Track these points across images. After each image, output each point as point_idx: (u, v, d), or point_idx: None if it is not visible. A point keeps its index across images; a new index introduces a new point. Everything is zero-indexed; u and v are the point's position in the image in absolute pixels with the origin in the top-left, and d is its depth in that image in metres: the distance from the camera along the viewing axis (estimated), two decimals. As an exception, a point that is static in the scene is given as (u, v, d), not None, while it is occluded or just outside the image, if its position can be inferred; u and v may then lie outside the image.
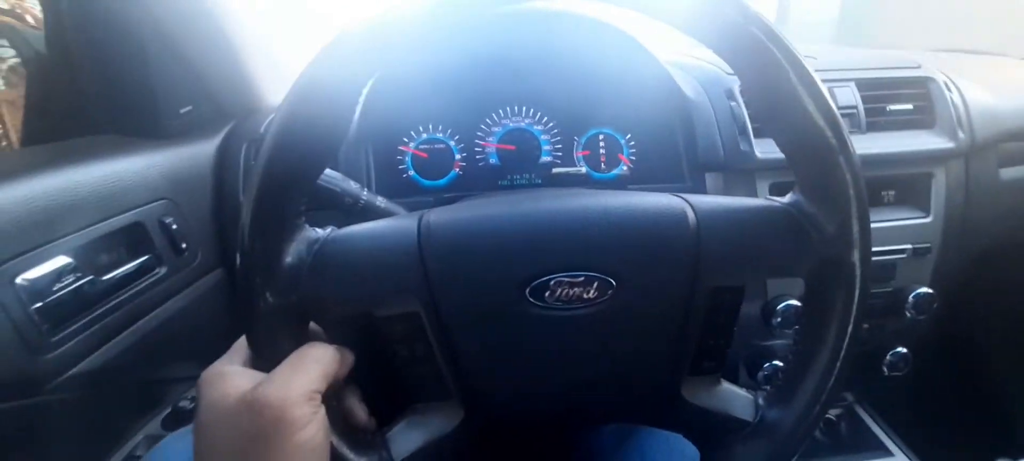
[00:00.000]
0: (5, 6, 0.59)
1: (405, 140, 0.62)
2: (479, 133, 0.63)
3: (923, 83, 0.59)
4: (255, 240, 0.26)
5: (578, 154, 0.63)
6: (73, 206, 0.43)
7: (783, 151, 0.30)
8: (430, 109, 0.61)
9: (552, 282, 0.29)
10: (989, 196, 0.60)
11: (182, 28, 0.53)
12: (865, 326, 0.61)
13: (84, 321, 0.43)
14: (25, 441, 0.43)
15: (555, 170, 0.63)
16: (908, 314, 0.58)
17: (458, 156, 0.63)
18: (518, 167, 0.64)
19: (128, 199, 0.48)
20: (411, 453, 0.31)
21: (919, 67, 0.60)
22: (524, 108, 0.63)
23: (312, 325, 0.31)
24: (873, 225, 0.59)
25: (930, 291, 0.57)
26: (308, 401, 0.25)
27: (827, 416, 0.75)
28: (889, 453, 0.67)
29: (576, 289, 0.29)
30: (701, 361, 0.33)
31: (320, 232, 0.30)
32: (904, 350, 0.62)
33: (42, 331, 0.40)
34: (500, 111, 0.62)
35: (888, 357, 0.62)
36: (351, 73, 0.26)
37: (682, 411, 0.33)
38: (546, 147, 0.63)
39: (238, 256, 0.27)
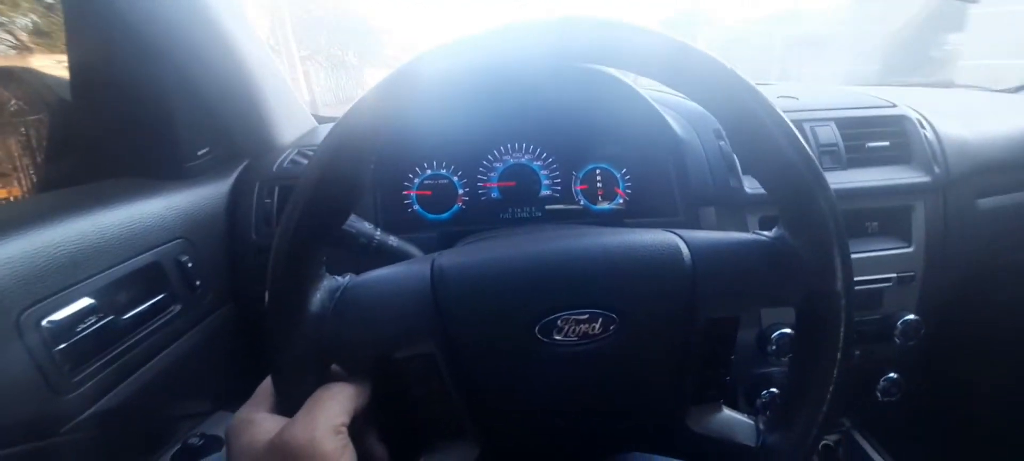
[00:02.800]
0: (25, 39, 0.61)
1: (410, 176, 0.64)
2: (481, 169, 0.65)
3: (898, 121, 0.63)
4: (284, 291, 0.28)
5: (577, 188, 0.66)
6: (97, 249, 0.45)
7: (766, 190, 0.32)
8: (434, 146, 0.64)
9: (559, 320, 0.31)
10: (968, 225, 0.63)
11: (204, 72, 0.56)
12: (857, 353, 0.63)
13: (103, 360, 0.44)
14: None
15: (554, 206, 0.66)
16: (897, 340, 0.60)
17: (461, 191, 0.65)
18: (518, 201, 0.66)
19: (148, 240, 0.50)
20: None
21: (894, 106, 0.64)
22: (524, 145, 0.66)
23: (334, 367, 0.32)
24: (858, 255, 0.61)
25: (916, 318, 0.59)
26: (335, 434, 0.27)
27: (825, 442, 0.76)
28: None
29: (582, 326, 0.31)
30: (703, 390, 0.34)
31: (340, 280, 0.31)
32: (895, 375, 0.64)
33: (64, 372, 0.41)
34: (501, 147, 0.65)
35: (881, 382, 0.64)
36: (377, 130, 0.28)
37: (688, 439, 0.35)
38: (545, 182, 0.66)
39: (267, 304, 0.28)
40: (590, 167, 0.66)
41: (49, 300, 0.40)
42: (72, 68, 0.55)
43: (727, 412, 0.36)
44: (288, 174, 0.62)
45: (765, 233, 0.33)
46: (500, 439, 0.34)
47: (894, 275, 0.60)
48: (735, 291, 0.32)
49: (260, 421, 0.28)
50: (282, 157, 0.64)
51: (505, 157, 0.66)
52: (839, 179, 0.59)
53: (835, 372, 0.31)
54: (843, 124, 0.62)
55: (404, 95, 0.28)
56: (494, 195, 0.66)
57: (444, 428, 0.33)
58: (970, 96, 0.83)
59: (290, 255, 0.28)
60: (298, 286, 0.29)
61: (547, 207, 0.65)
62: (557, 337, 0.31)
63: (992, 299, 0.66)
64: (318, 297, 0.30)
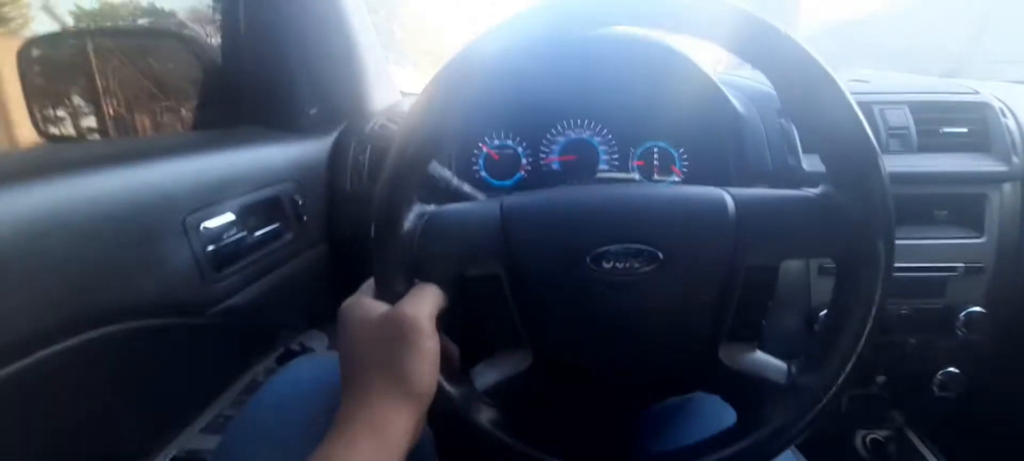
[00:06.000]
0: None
1: (480, 144, 0.71)
2: (544, 141, 0.71)
3: (979, 108, 0.60)
4: (387, 208, 0.35)
5: (633, 164, 0.70)
6: (236, 176, 0.56)
7: (821, 150, 0.34)
8: (503, 118, 0.70)
9: (609, 252, 0.35)
10: (1050, 222, 0.60)
11: (318, 44, 0.67)
12: (912, 341, 0.62)
13: (237, 266, 0.55)
14: (183, 355, 0.55)
15: (606, 174, 0.69)
16: (959, 333, 0.58)
17: (524, 161, 0.71)
18: (577, 174, 0.71)
19: (270, 176, 0.61)
20: (490, 386, 0.38)
21: (976, 93, 0.62)
22: (585, 121, 0.70)
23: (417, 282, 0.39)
24: (924, 241, 0.60)
25: (982, 310, 0.57)
26: (431, 319, 0.34)
27: (876, 438, 0.74)
28: None
29: (629, 259, 0.35)
30: (738, 330, 0.38)
31: (428, 208, 0.38)
32: (955, 370, 0.62)
33: (212, 267, 0.52)
34: (564, 122, 0.70)
35: (938, 376, 0.62)
36: (464, 90, 0.34)
37: (720, 374, 0.38)
38: (603, 157, 0.70)
39: (373, 219, 0.35)
40: (648, 145, 0.69)
41: (206, 209, 0.52)
42: (223, 39, 0.68)
43: (760, 353, 0.39)
44: (379, 136, 0.71)
45: (811, 190, 0.36)
46: (550, 353, 0.39)
47: (961, 265, 0.58)
48: (776, 239, 0.35)
49: (370, 302, 0.35)
50: (373, 122, 0.74)
51: (567, 132, 0.70)
52: (908, 163, 0.58)
53: (868, 325, 0.33)
54: (917, 108, 0.60)
55: (476, 66, 0.34)
56: (555, 167, 0.71)
57: (503, 339, 0.39)
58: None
59: (392, 184, 0.35)
60: (396, 208, 0.36)
61: (598, 175, 0.69)
62: (606, 266, 0.35)
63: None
64: (410, 218, 0.37)
